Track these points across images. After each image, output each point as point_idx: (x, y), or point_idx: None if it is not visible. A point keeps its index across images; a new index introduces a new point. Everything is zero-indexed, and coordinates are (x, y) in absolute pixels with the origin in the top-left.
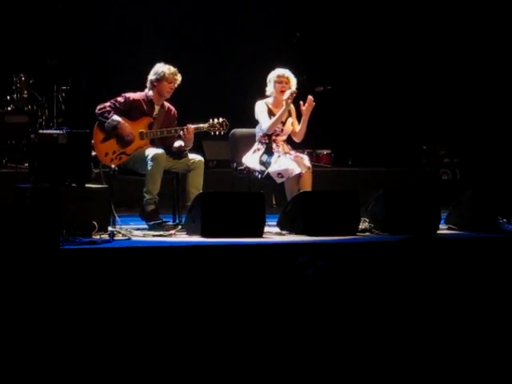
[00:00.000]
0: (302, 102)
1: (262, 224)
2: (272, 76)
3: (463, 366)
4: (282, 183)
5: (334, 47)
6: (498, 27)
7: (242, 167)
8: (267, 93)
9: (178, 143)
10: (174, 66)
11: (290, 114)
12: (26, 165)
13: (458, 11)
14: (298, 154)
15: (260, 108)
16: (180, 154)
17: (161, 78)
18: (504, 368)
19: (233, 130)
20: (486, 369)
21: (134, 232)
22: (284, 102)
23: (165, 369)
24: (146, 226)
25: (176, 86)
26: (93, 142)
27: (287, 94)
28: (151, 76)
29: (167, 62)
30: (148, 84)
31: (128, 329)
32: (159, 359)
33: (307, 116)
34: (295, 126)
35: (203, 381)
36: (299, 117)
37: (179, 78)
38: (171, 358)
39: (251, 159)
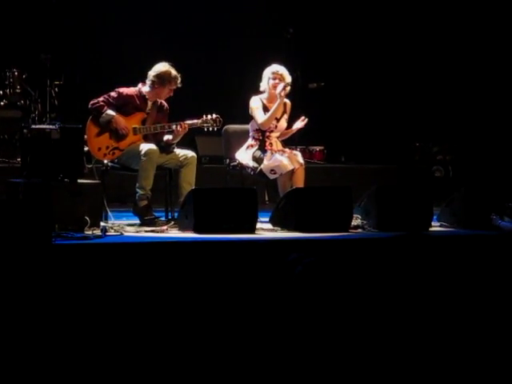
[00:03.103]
0: (301, 116)
1: (255, 220)
2: (267, 72)
3: (456, 362)
4: (275, 179)
5: (328, 43)
6: (490, 24)
7: (234, 163)
8: (261, 88)
9: (166, 137)
10: (167, 61)
11: (285, 111)
12: (19, 160)
13: (449, 8)
14: (291, 150)
15: (255, 104)
16: (167, 147)
17: (164, 84)
18: (492, 364)
19: (226, 126)
20: (475, 363)
21: (126, 227)
22: (278, 96)
23: (156, 363)
24: (138, 222)
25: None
26: (86, 136)
27: (280, 87)
28: (155, 77)
29: (160, 57)
30: (148, 81)
31: (120, 324)
32: (151, 353)
33: (295, 130)
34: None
35: (194, 375)
36: (294, 114)
37: (179, 84)
38: (163, 353)
39: (244, 155)
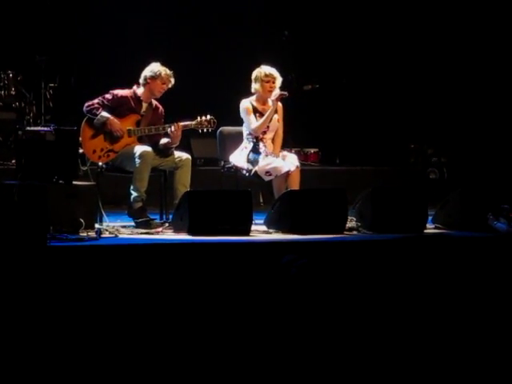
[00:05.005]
0: None
1: (249, 222)
2: (259, 75)
3: (454, 364)
4: (270, 181)
5: (323, 46)
6: (484, 26)
7: (229, 165)
8: (252, 90)
9: (164, 140)
10: (162, 64)
11: (276, 111)
12: (14, 161)
13: (443, 10)
14: (285, 152)
15: (245, 107)
16: (166, 151)
17: (156, 77)
18: (490, 364)
19: (220, 128)
20: (474, 364)
21: (121, 229)
22: (271, 102)
23: (152, 364)
24: (133, 224)
25: (168, 88)
26: (80, 139)
27: (275, 94)
28: (146, 72)
29: (155, 59)
30: (141, 80)
31: (116, 325)
32: (146, 355)
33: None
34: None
35: (191, 377)
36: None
37: (173, 81)
38: (157, 354)
39: (239, 157)
